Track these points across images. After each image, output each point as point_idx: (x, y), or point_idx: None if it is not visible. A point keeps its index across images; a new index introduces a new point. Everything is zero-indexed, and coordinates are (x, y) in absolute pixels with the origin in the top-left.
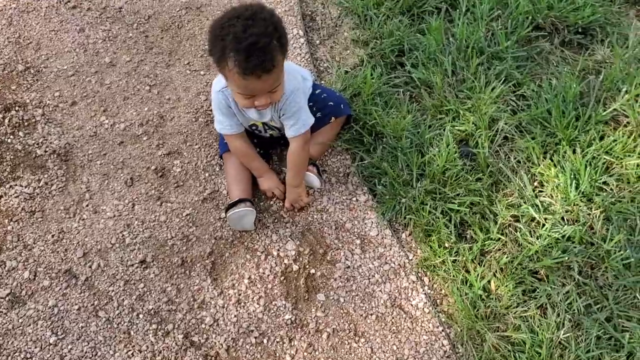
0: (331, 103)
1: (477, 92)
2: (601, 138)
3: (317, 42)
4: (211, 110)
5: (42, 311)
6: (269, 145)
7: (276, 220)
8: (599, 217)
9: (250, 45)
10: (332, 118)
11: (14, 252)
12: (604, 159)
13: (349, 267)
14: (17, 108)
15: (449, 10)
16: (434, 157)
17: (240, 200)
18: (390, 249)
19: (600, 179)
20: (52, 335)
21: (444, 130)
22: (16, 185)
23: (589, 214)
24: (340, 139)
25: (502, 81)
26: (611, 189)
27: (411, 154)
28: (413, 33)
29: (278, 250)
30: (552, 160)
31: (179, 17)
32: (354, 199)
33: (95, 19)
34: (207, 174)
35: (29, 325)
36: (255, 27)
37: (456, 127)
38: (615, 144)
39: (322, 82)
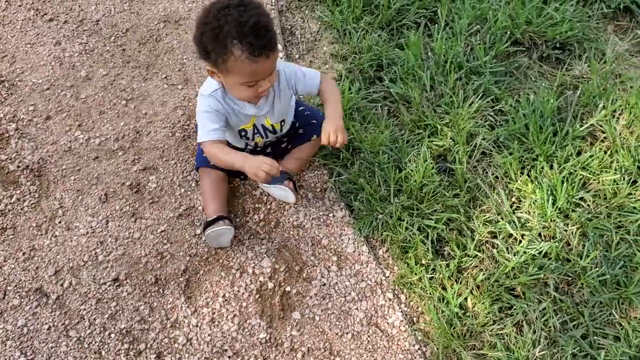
0: (314, 121)
1: (455, 107)
2: (578, 153)
3: (297, 56)
4: (188, 125)
5: (11, 331)
6: None
7: (252, 237)
8: (575, 233)
9: (254, 26)
10: (314, 136)
11: None
12: (581, 174)
13: (324, 284)
14: None
15: (428, 25)
16: (412, 173)
17: (219, 217)
18: (367, 266)
19: (577, 195)
20: (21, 355)
21: (422, 145)
22: None
23: (566, 230)
24: (318, 154)
25: (480, 96)
26: (588, 205)
27: (389, 169)
28: (392, 48)
29: (253, 267)
30: (529, 176)
31: (157, 31)
32: (331, 214)
33: (72, 32)
34: (182, 190)
35: None
36: (250, 9)
37: (434, 143)
38: (592, 160)
39: (301, 97)
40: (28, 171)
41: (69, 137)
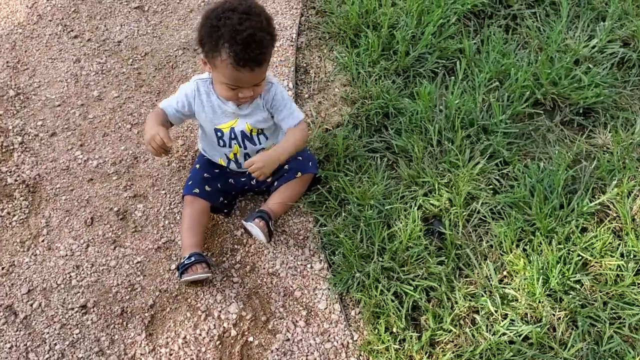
0: (300, 158)
1: (459, 167)
2: (583, 231)
3: (306, 96)
4: (185, 156)
5: None
6: (234, 195)
7: (225, 279)
8: (563, 319)
9: (247, 38)
10: (299, 173)
11: None
12: (581, 255)
13: (288, 339)
14: None
15: (446, 75)
16: (398, 232)
17: (196, 260)
18: (336, 326)
19: (573, 277)
20: None
21: (415, 204)
22: None
23: (554, 315)
24: (305, 200)
25: (487, 157)
26: (583, 290)
27: (375, 225)
28: (402, 97)
29: (220, 311)
30: (524, 251)
31: (175, 57)
32: (309, 265)
33: (93, 51)
34: (166, 222)
35: None
36: (252, 20)
37: (429, 202)
38: (596, 240)
39: None
40: (24, 186)
41: (69, 156)
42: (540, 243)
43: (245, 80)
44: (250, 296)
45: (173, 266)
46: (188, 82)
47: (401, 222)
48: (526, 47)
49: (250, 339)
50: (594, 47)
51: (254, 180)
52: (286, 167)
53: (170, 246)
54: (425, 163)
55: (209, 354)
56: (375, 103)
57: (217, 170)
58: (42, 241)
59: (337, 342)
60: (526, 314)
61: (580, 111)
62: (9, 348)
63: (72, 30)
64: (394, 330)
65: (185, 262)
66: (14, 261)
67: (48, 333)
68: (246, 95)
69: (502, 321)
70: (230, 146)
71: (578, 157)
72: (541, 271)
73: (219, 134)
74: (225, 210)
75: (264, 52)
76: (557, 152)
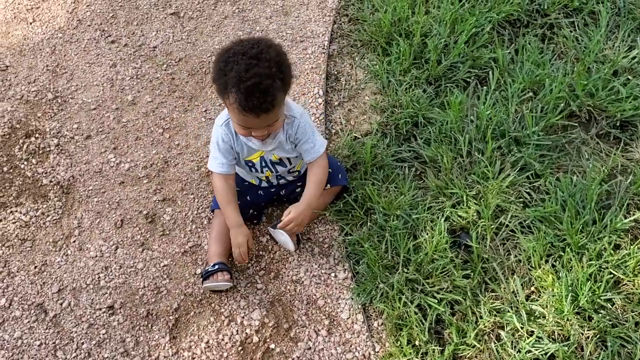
0: (330, 170)
1: (488, 179)
2: (616, 248)
3: (336, 103)
4: None
5: (7, 341)
6: (263, 206)
7: (249, 285)
8: (592, 338)
9: (251, 86)
10: (328, 185)
11: None
12: (613, 273)
13: (310, 348)
14: (37, 135)
15: (478, 85)
16: (424, 244)
17: (219, 268)
18: (358, 337)
19: (604, 296)
20: None
21: (442, 215)
22: (17, 211)
23: (582, 334)
24: (331, 208)
25: (518, 169)
26: (615, 308)
27: (401, 236)
28: (433, 106)
29: (243, 317)
30: (553, 267)
31: (208, 63)
32: (333, 274)
33: (129, 56)
34: (194, 226)
35: None
36: (259, 67)
37: (457, 214)
38: (629, 258)
39: (330, 144)
40: (58, 187)
41: (102, 159)
42: (571, 259)
43: (253, 124)
44: (273, 303)
45: (199, 270)
46: (214, 130)
47: (427, 234)
48: (562, 57)
49: (272, 346)
50: (634, 58)
51: (283, 191)
52: None
53: (197, 250)
54: (454, 174)
55: (230, 359)
56: (404, 112)
57: (246, 183)
58: (74, 242)
59: (359, 352)
60: (553, 331)
61: (617, 124)
62: (38, 345)
63: (109, 36)
64: (417, 343)
65: (209, 270)
66: (46, 260)
67: (76, 332)
68: (259, 135)
69: (528, 338)
70: (262, 172)
71: (613, 171)
72: (570, 288)
73: (250, 164)
74: (255, 221)
75: (269, 100)
76: (591, 165)
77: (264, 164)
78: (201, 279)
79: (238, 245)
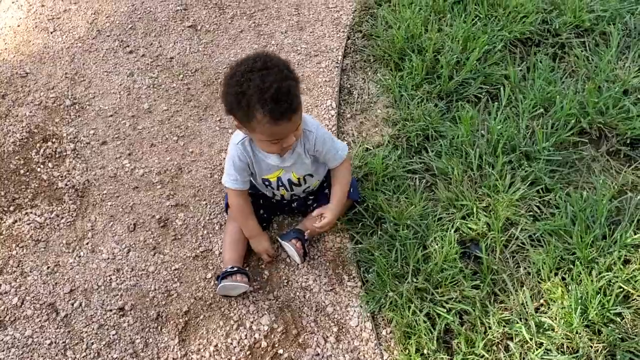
0: None
1: (499, 192)
2: (625, 262)
3: (348, 115)
4: None
5: (17, 339)
6: (272, 211)
7: (259, 290)
8: (601, 351)
9: (275, 93)
10: None
11: (11, 277)
12: (622, 287)
13: (318, 354)
14: (53, 140)
15: (489, 100)
16: (434, 254)
17: (238, 270)
18: (367, 344)
19: (614, 309)
20: None
21: (452, 226)
22: (32, 212)
23: (591, 347)
24: (342, 217)
25: (528, 184)
26: (624, 323)
27: (410, 246)
28: (444, 120)
29: (252, 322)
30: (562, 280)
31: (223, 74)
32: (342, 282)
33: (146, 66)
34: (205, 231)
35: (2, 350)
36: (272, 74)
37: (467, 225)
38: (639, 274)
39: None
40: (73, 190)
41: (117, 164)
42: (580, 273)
43: (285, 132)
44: (282, 309)
45: (209, 275)
46: (230, 149)
47: (437, 244)
48: (573, 75)
49: (280, 351)
50: None
51: (295, 203)
52: (327, 191)
53: (208, 255)
54: (465, 186)
55: None
56: (416, 125)
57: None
58: (87, 244)
59: None
60: (562, 344)
61: (628, 142)
62: (49, 344)
63: (127, 46)
64: (425, 352)
65: (228, 270)
66: (59, 261)
67: (86, 332)
68: (289, 143)
69: (537, 350)
70: (278, 189)
71: (624, 188)
72: (580, 301)
73: (266, 182)
74: (264, 224)
75: (294, 99)
76: (601, 182)
77: (280, 184)
78: (217, 280)
79: (265, 251)
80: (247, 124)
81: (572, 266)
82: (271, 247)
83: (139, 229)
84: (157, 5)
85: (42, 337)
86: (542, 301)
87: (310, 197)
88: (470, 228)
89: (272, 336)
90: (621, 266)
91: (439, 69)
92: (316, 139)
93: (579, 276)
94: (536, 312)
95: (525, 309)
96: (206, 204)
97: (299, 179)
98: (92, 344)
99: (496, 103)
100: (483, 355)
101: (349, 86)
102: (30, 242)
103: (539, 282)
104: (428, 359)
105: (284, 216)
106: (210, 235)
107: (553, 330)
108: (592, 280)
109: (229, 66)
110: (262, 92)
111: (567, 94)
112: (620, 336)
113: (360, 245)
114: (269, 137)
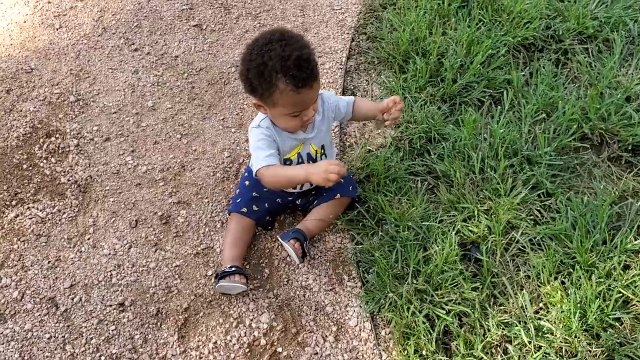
0: (341, 180)
1: (500, 195)
2: (625, 268)
3: None
4: (230, 167)
5: (17, 332)
6: (277, 212)
7: (258, 288)
8: (599, 356)
9: (297, 60)
10: (338, 195)
11: (12, 271)
12: (621, 292)
13: (317, 353)
14: (57, 135)
15: (492, 104)
16: (434, 255)
17: (237, 270)
18: (366, 344)
19: (613, 314)
20: (18, 358)
21: (453, 228)
22: (34, 207)
23: (590, 351)
24: (343, 217)
25: (530, 188)
26: (623, 328)
27: (411, 247)
28: (447, 123)
29: (251, 320)
30: (562, 284)
31: (227, 74)
32: (342, 282)
33: (151, 64)
34: (207, 229)
35: (2, 343)
36: (291, 44)
37: (468, 228)
38: (639, 279)
39: (344, 156)
40: (75, 186)
41: (120, 161)
42: (580, 277)
43: (307, 101)
44: (282, 307)
45: (210, 272)
46: (251, 134)
47: (438, 246)
48: (576, 81)
49: (279, 349)
50: None
51: (299, 200)
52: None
53: (209, 253)
54: (466, 189)
55: None
56: (419, 127)
57: (265, 190)
58: (88, 239)
59: None
60: (561, 348)
61: (629, 148)
62: (48, 338)
63: (133, 44)
64: (424, 352)
65: (226, 270)
66: (60, 256)
67: (85, 327)
68: (309, 116)
69: (535, 353)
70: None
71: (624, 194)
72: (579, 305)
73: (287, 163)
74: (269, 227)
75: (315, 66)
76: (602, 187)
77: (300, 161)
78: (215, 279)
79: (329, 171)
80: (268, 98)
81: (571, 270)
82: (329, 161)
83: (140, 226)
84: (163, 4)
85: (42, 331)
86: (541, 305)
87: (313, 193)
88: (471, 231)
89: (272, 334)
90: (621, 271)
91: (442, 72)
92: (322, 98)
93: (579, 280)
94: (535, 315)
95: (524, 312)
96: (208, 201)
97: (316, 150)
98: (92, 338)
99: (499, 107)
100: (482, 358)
101: (352, 88)
102: (31, 237)
103: (539, 286)
104: None
105: (285, 215)
106: (212, 232)
107: (552, 333)
108: (591, 285)
109: (235, 63)
110: (284, 60)
111: (569, 100)
112: (618, 341)
113: (360, 246)
114: (292, 108)
